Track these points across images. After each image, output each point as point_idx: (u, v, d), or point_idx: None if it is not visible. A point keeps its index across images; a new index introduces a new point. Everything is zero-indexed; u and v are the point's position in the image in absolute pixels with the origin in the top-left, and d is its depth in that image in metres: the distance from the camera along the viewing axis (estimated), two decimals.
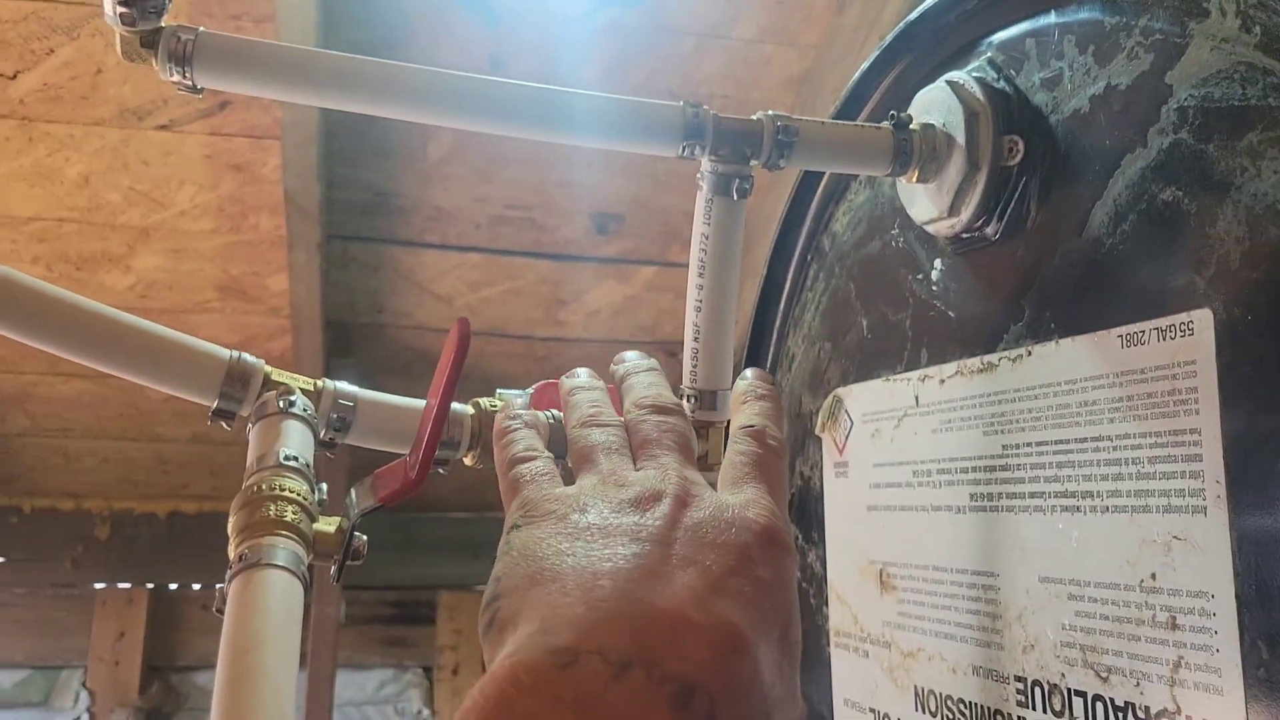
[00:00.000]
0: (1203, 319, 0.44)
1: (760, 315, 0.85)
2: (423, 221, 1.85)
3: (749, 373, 0.50)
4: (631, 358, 0.52)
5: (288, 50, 0.53)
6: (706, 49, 1.57)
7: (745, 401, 0.48)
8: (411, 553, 2.54)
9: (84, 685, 2.42)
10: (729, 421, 0.63)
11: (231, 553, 0.41)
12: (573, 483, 0.42)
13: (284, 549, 0.41)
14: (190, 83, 0.51)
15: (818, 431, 0.76)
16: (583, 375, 0.51)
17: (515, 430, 0.45)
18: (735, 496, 0.40)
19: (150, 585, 2.48)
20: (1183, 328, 0.45)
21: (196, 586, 2.52)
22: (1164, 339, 0.46)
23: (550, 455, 0.44)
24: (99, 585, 2.45)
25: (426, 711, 2.54)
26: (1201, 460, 0.43)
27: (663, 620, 0.31)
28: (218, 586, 0.40)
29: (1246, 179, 0.42)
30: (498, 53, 1.53)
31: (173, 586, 2.50)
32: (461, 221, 1.85)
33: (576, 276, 1.98)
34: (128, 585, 2.47)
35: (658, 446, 0.43)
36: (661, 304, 2.03)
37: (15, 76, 1.49)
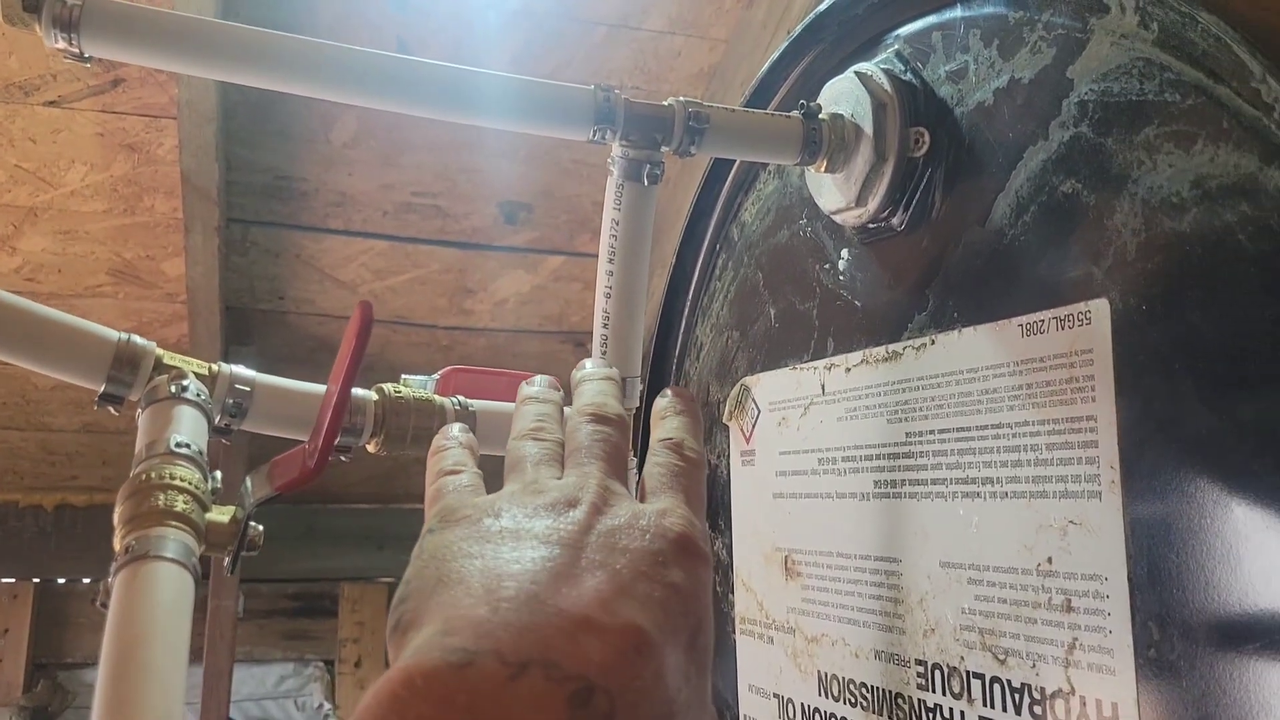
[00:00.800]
0: (1100, 309, 0.45)
1: (669, 304, 0.84)
2: (326, 207, 1.80)
3: (669, 391, 0.50)
4: (589, 365, 0.51)
5: (181, 19, 0.51)
6: (617, 39, 1.57)
7: (665, 416, 0.48)
8: (314, 544, 2.49)
9: None
10: (638, 409, 0.63)
11: (117, 544, 0.39)
12: None
13: (174, 540, 0.39)
14: (77, 50, 0.49)
15: (725, 420, 0.76)
16: (538, 384, 0.50)
17: (448, 449, 0.45)
18: (653, 505, 0.40)
19: (36, 580, 2.38)
20: (1080, 317, 0.46)
21: (86, 581, 2.43)
22: (1062, 328, 0.47)
23: (479, 473, 0.44)
24: None
25: (328, 705, 2.49)
26: (1097, 447, 0.44)
27: (565, 621, 0.31)
28: (101, 582, 0.39)
29: (1143, 172, 0.43)
30: (406, 36, 1.50)
31: (60, 581, 2.41)
32: (366, 207, 1.81)
33: (484, 265, 1.95)
34: (12, 580, 2.37)
35: (586, 455, 0.42)
36: (569, 294, 2.02)
37: None
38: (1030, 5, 0.50)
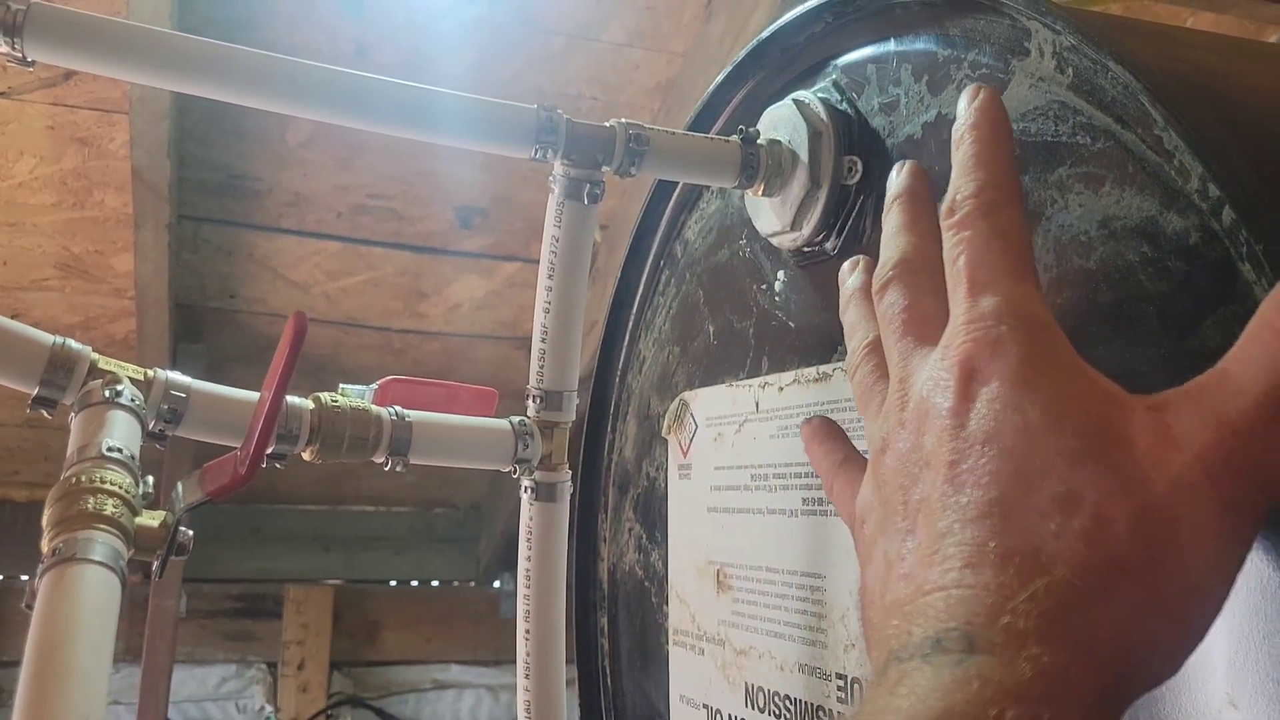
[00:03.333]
0: None
1: (613, 317, 0.86)
2: (280, 206, 1.80)
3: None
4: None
5: (128, 28, 0.51)
6: (576, 50, 1.58)
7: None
8: (259, 544, 2.47)
9: None
10: (573, 422, 0.64)
11: (45, 546, 0.40)
12: None
13: (101, 543, 0.40)
14: (20, 55, 0.49)
15: (664, 434, 0.77)
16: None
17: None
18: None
19: None
20: None
21: (25, 578, 2.39)
22: None
23: None
24: None
25: (269, 708, 2.48)
26: None
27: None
28: (27, 584, 0.39)
29: (1055, 210, 0.45)
30: (364, 41, 1.50)
31: (1, 577, 2.37)
32: (320, 208, 1.81)
33: (438, 269, 1.96)
34: None
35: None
36: (524, 300, 2.03)
37: None
38: (958, 44, 0.52)
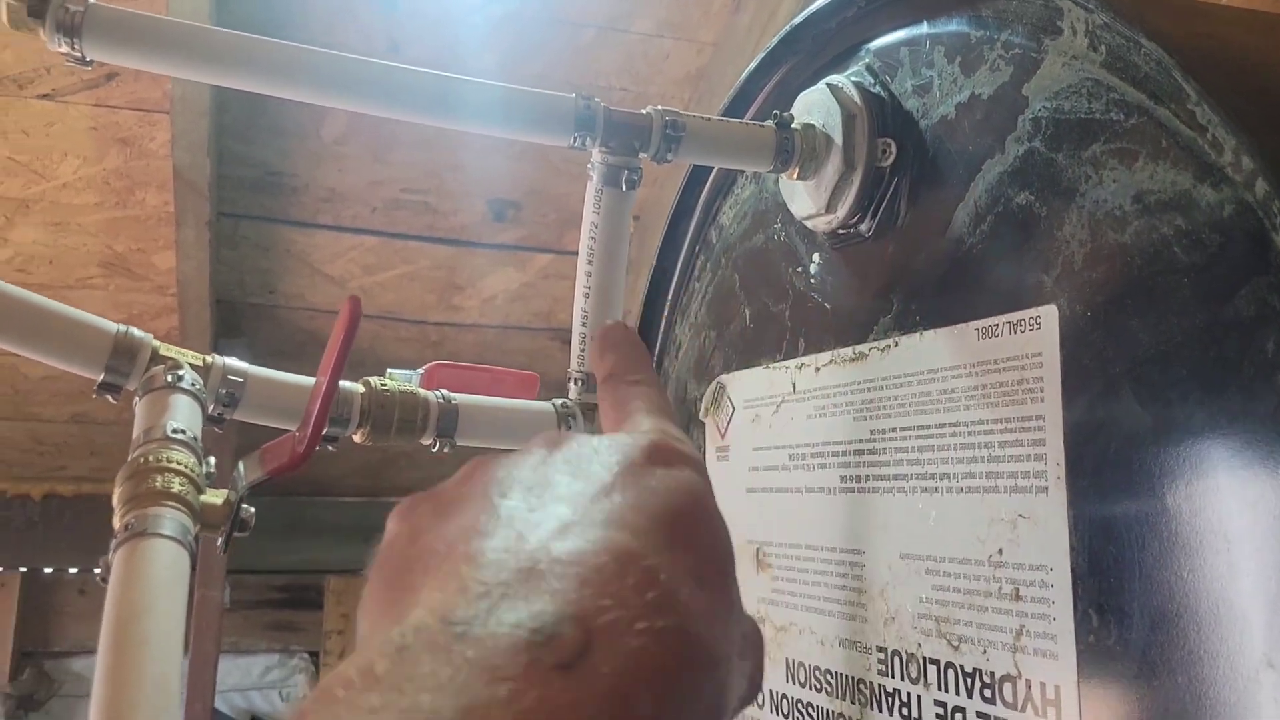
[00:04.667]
0: (1049, 314, 0.47)
1: (649, 304, 0.87)
2: (316, 202, 1.82)
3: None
4: None
5: (179, 26, 0.53)
6: (605, 42, 1.59)
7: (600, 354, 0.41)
8: (300, 537, 2.50)
9: None
10: None
11: (116, 523, 0.42)
12: None
13: (170, 519, 0.41)
14: (80, 54, 0.51)
15: (701, 417, 0.78)
16: None
17: None
18: (608, 429, 0.36)
19: (23, 569, 2.40)
20: (1031, 322, 0.48)
21: (73, 571, 2.44)
22: (1015, 332, 0.49)
23: None
24: None
25: None
26: (1045, 445, 0.47)
27: (520, 563, 0.27)
28: (101, 559, 0.41)
29: (1090, 186, 0.46)
30: (397, 37, 1.52)
31: (47, 570, 2.42)
32: (356, 203, 1.83)
33: (472, 262, 1.97)
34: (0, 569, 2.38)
35: None
36: (557, 291, 2.04)
37: None
38: (990, 25, 0.53)
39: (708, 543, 0.29)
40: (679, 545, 0.27)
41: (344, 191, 1.80)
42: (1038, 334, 0.48)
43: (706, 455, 0.77)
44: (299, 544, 2.49)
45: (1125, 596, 0.43)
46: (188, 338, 1.92)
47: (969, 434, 0.52)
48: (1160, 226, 0.42)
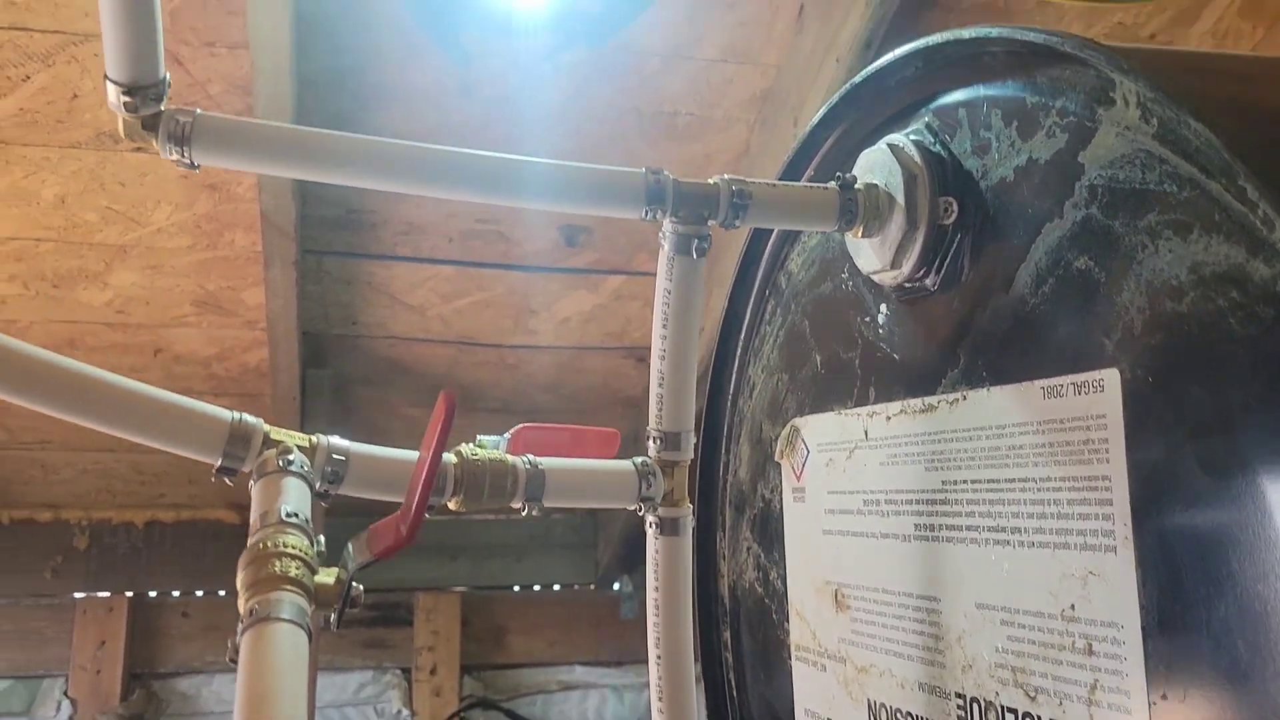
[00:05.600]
0: (1111, 378, 0.49)
1: (723, 344, 0.89)
2: (394, 236, 1.88)
3: None
4: None
5: (276, 130, 0.57)
6: (671, 69, 1.62)
7: None
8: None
9: (65, 694, 2.44)
10: (691, 460, 0.68)
11: (241, 607, 0.46)
12: None
13: (289, 603, 0.45)
14: (189, 161, 0.55)
15: (777, 458, 0.81)
16: None
17: None
18: None
19: (129, 593, 2.50)
20: (1094, 384, 0.50)
21: (175, 593, 2.54)
22: (1079, 393, 0.51)
23: None
24: (79, 595, 2.47)
25: (406, 711, 2.58)
26: (1112, 504, 0.49)
27: None
28: (230, 640, 0.45)
29: (1146, 255, 0.47)
30: (467, 79, 1.56)
31: (152, 594, 2.53)
32: (433, 235, 1.88)
33: (546, 286, 2.02)
34: (107, 594, 2.49)
35: None
36: (629, 311, 2.08)
37: None
38: (1045, 91, 0.54)
39: None
40: None
41: (421, 224, 1.86)
42: (1101, 396, 0.49)
43: (783, 495, 0.80)
44: (388, 563, 2.55)
45: (1195, 656, 0.44)
46: (278, 370, 1.99)
47: (1038, 490, 0.53)
48: (1216, 298, 0.44)
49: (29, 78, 1.49)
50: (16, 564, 2.43)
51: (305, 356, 2.05)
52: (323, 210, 1.80)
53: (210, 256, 1.83)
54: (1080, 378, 0.51)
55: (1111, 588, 0.48)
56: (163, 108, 0.55)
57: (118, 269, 1.84)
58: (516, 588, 2.73)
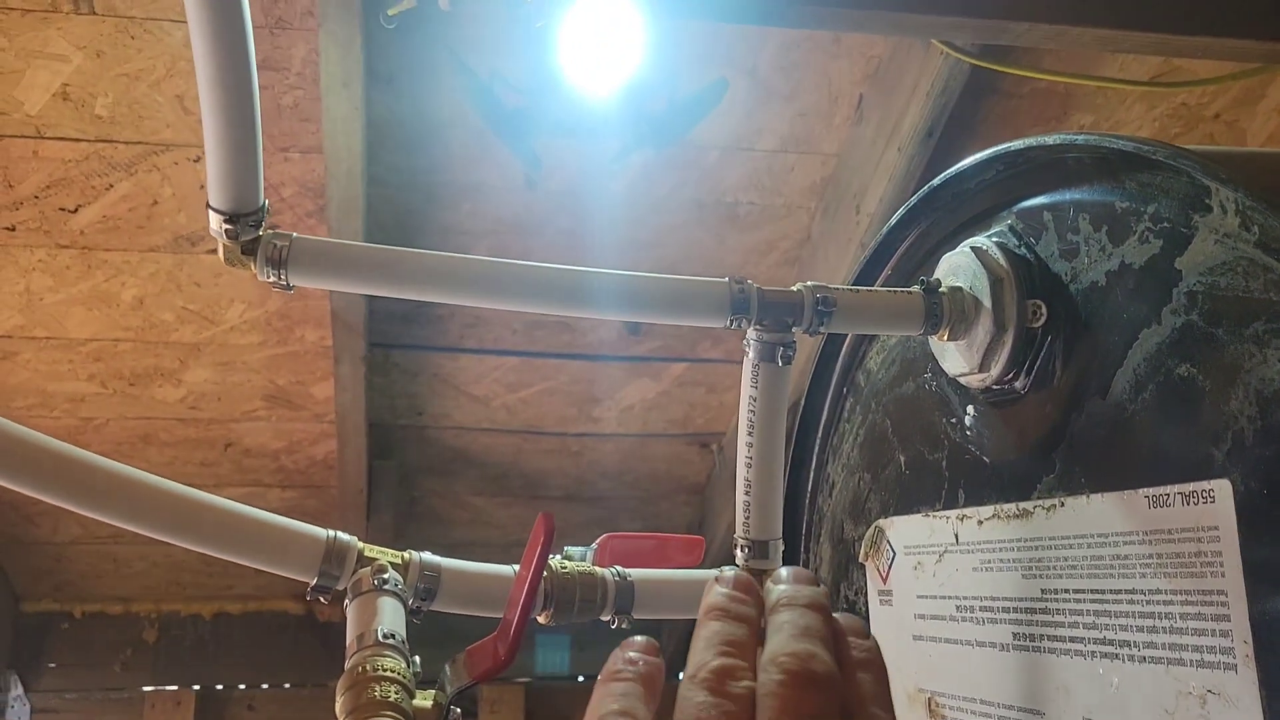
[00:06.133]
0: (1223, 489, 0.47)
1: (800, 442, 0.89)
2: (460, 328, 1.91)
3: (783, 572, 0.43)
4: (787, 578, 0.42)
5: (367, 251, 0.59)
6: (731, 160, 1.64)
7: (777, 612, 0.40)
8: (453, 647, 2.55)
9: None
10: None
11: None
12: None
13: None
14: (285, 283, 0.57)
15: (861, 559, 0.79)
16: (725, 587, 0.42)
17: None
18: None
19: (196, 687, 2.51)
20: (1204, 495, 0.48)
21: (242, 686, 2.54)
22: (1188, 503, 0.49)
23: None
24: (147, 688, 2.48)
25: None
26: (1229, 621, 0.47)
27: None
28: (241, 686, 0.44)
29: (1254, 364, 0.46)
30: (533, 176, 1.60)
31: (219, 687, 2.53)
32: (498, 327, 1.91)
33: (609, 375, 2.03)
34: (174, 687, 2.50)
35: None
36: (693, 398, 2.08)
37: (77, 210, 1.57)
38: (1134, 197, 0.54)
39: None
40: None
41: (486, 317, 1.88)
42: (1212, 507, 0.48)
43: (869, 597, 0.78)
44: (452, 654, 2.54)
45: None
46: (345, 463, 2.01)
47: (1147, 603, 0.52)
48: None
49: (112, 186, 1.55)
50: (88, 657, 2.45)
51: (371, 448, 2.07)
52: (391, 305, 1.84)
53: (281, 352, 1.86)
54: (1188, 487, 0.49)
55: (1233, 709, 0.46)
56: (261, 233, 0.56)
57: (192, 366, 1.88)
58: (581, 678, 2.70)
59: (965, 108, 1.47)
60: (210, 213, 0.55)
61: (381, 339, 1.91)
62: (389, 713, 0.45)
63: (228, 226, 0.55)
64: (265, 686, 2.54)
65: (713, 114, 1.55)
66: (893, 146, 1.49)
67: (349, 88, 1.32)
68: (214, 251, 1.72)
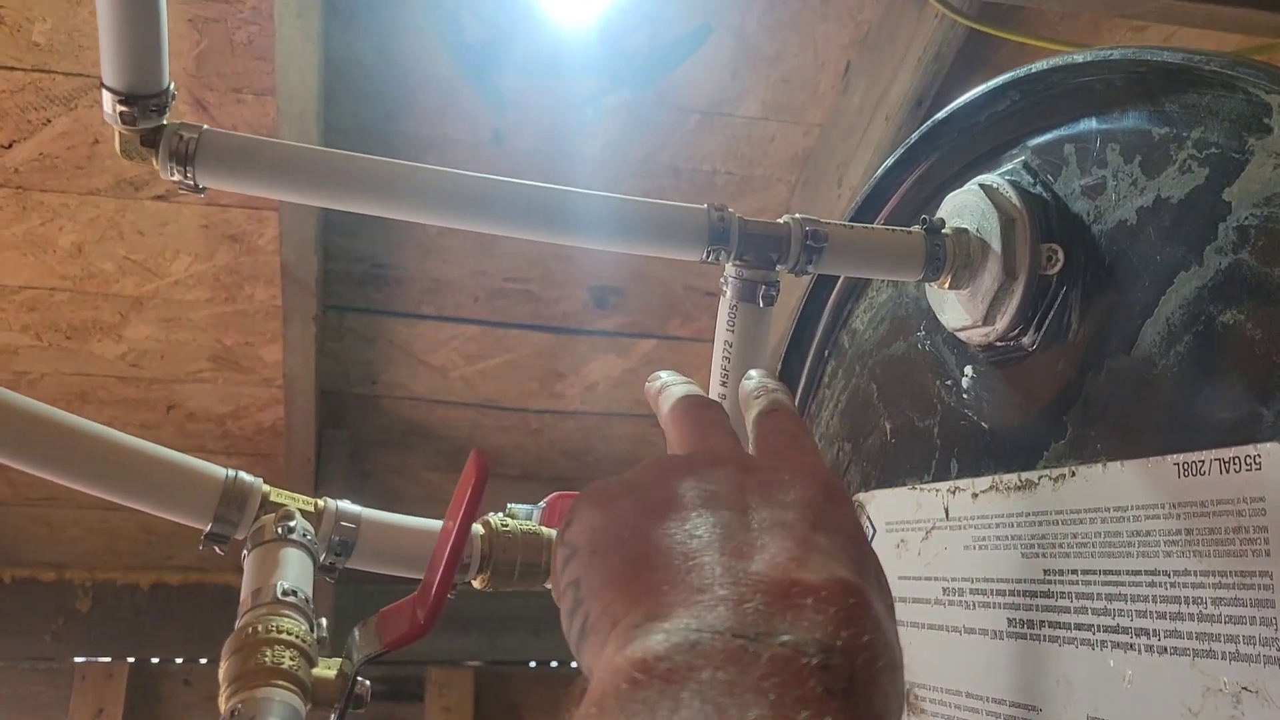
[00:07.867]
0: (1271, 453, 0.41)
1: None
2: (420, 293, 1.82)
3: (754, 373, 0.47)
4: (756, 375, 0.48)
5: (296, 150, 0.51)
6: (710, 126, 1.56)
7: (757, 396, 0.46)
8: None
9: None
10: None
11: (223, 706, 0.38)
12: None
13: (280, 701, 0.37)
14: (192, 182, 0.49)
15: None
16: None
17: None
18: (780, 460, 0.39)
19: (131, 659, 2.41)
20: (1249, 461, 0.42)
21: (179, 660, 2.44)
22: (1227, 471, 0.43)
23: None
24: (79, 659, 2.38)
25: None
26: (1274, 606, 0.40)
27: (773, 588, 0.28)
28: (178, 660, 0.37)
29: None
30: (501, 127, 1.51)
31: (154, 660, 2.43)
32: (459, 293, 1.82)
33: (574, 349, 1.95)
34: (108, 659, 2.40)
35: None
36: None
37: (10, 146, 1.47)
38: (1176, 121, 0.47)
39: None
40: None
41: (448, 282, 1.80)
42: (1257, 475, 0.41)
43: None
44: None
45: None
46: (293, 430, 1.92)
47: (1171, 585, 0.45)
48: None
49: (49, 121, 1.45)
50: (16, 625, 2.34)
51: (322, 416, 1.98)
52: (347, 265, 1.75)
53: (229, 310, 1.77)
54: (1229, 453, 0.42)
55: (1274, 709, 0.40)
56: (165, 121, 0.48)
57: (133, 321, 1.78)
58: (533, 664, 2.62)
59: (956, 78, 1.40)
60: (104, 92, 0.47)
61: (337, 301, 1.82)
62: (281, 681, 0.37)
63: (123, 109, 0.47)
64: (204, 661, 2.44)
65: (696, 72, 1.48)
66: (880, 115, 1.42)
67: (304, 18, 1.23)
68: (160, 198, 1.63)
